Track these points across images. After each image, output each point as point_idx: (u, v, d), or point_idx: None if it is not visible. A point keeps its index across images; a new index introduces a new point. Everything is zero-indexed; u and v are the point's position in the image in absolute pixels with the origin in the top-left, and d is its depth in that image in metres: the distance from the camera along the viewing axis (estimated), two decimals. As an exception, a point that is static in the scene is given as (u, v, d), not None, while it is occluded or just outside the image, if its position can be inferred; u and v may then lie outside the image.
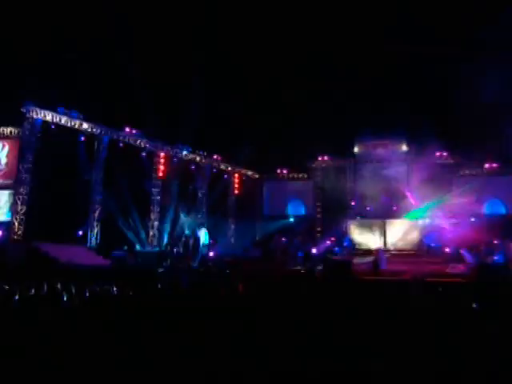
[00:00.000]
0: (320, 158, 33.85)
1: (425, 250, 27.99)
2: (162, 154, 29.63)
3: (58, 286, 9.65)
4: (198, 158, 31.25)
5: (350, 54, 27.18)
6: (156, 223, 29.13)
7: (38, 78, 23.04)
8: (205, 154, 31.22)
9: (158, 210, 29.11)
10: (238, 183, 34.09)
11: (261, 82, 28.00)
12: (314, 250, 26.85)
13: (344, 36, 26.08)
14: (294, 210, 33.98)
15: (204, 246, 21.78)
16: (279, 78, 27.87)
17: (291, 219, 33.30)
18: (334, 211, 30.98)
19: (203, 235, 21.67)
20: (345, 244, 29.34)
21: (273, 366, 4.77)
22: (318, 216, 33.58)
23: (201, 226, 22.52)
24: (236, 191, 34.01)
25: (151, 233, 29.00)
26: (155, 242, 28.72)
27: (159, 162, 29.50)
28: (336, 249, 28.32)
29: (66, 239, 22.51)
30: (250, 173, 34.67)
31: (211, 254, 25.76)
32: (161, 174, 29.47)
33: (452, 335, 5.66)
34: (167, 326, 6.05)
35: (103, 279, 12.69)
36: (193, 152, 30.76)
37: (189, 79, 27.17)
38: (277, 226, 31.91)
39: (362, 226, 30.76)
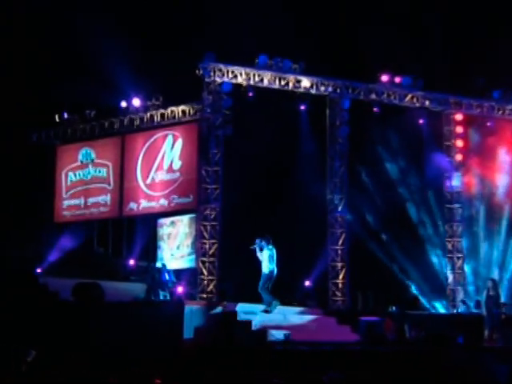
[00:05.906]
0: None
1: None
2: (460, 117, 17.62)
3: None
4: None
5: None
6: (459, 259, 16.33)
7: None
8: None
9: (461, 228, 16.62)
10: None
11: None
12: None
13: None
14: None
15: (269, 277, 12.16)
16: None
17: None
18: None
19: (268, 258, 12.02)
20: None
21: None
22: None
23: (263, 242, 12.38)
24: None
25: (450, 278, 16.42)
26: (460, 298, 16.30)
27: (455, 134, 17.60)
28: None
29: (283, 296, 14.56)
30: None
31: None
32: (459, 157, 17.25)
33: None
34: None
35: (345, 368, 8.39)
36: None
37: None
38: None
39: None
